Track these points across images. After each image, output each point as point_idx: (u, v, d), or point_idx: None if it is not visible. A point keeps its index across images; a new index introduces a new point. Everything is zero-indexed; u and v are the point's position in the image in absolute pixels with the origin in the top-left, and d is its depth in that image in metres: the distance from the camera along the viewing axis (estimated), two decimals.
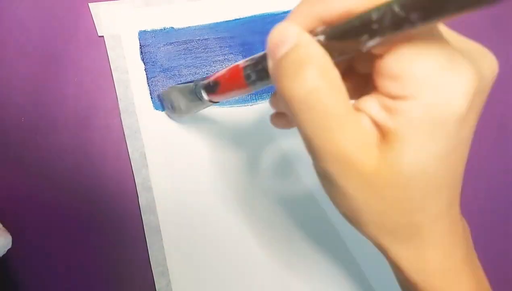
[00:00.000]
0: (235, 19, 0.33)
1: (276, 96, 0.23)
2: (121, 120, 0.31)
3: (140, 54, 0.32)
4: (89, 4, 0.31)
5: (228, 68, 0.22)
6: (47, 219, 0.30)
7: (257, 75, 0.20)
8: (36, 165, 0.30)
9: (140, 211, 0.30)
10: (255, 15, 0.34)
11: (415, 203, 0.16)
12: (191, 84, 0.27)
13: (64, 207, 0.30)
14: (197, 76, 0.33)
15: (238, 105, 0.33)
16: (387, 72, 0.15)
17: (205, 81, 0.25)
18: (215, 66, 0.33)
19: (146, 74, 0.32)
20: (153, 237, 0.30)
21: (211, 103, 0.26)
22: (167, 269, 0.30)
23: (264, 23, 0.34)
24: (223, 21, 0.33)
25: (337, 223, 0.33)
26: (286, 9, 0.34)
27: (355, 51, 0.16)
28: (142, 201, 0.30)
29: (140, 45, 0.32)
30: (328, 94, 0.15)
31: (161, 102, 0.31)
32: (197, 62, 0.33)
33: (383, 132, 0.16)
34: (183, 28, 0.33)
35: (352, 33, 0.15)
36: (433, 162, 0.15)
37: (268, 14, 0.34)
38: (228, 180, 0.32)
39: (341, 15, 0.16)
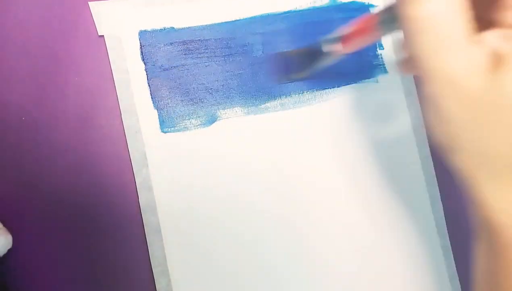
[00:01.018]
0: (236, 20, 0.34)
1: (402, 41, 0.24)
2: (121, 120, 0.31)
3: (141, 54, 0.32)
4: (89, 3, 0.31)
5: (357, 19, 0.25)
6: (47, 219, 0.30)
7: (390, 19, 0.21)
8: (37, 165, 0.30)
9: (140, 210, 0.30)
10: (255, 16, 0.34)
11: None
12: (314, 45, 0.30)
13: (64, 207, 0.30)
14: (197, 76, 0.33)
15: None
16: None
17: (332, 36, 0.28)
18: (215, 67, 0.33)
19: (147, 74, 0.32)
20: (153, 237, 0.30)
21: (332, 58, 0.29)
22: (167, 269, 0.30)
23: (265, 24, 0.34)
24: (224, 22, 0.33)
25: (338, 224, 0.33)
26: (286, 10, 0.35)
27: None
28: (142, 200, 0.30)
29: (141, 45, 0.32)
30: (449, 19, 0.16)
31: (272, 64, 0.34)
32: (198, 62, 0.33)
33: (499, 59, 0.16)
34: (183, 28, 0.33)
35: None
36: None
37: (268, 14, 0.34)
38: (228, 179, 0.32)
39: None
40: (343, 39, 0.27)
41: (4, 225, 0.28)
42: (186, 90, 0.32)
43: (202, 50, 0.33)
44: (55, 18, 0.31)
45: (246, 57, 0.34)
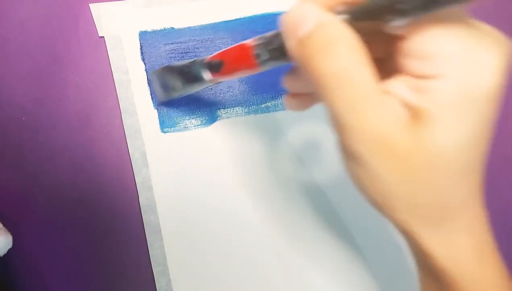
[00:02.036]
0: (236, 19, 0.34)
1: (290, 76, 0.22)
2: (121, 120, 0.31)
3: (141, 55, 0.32)
4: (90, 4, 0.32)
5: (232, 46, 0.22)
6: (47, 219, 0.30)
7: (270, 55, 0.19)
8: (37, 165, 0.30)
9: (140, 210, 0.30)
10: (255, 15, 0.34)
11: (449, 184, 0.16)
12: (189, 62, 0.26)
13: (64, 207, 0.30)
14: None
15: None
16: (416, 53, 0.15)
17: (207, 60, 0.24)
18: None
19: (147, 74, 0.32)
20: (153, 236, 0.30)
21: (212, 83, 0.25)
22: (167, 268, 0.30)
23: (265, 23, 0.34)
24: (224, 21, 0.33)
25: (339, 226, 0.33)
26: (286, 10, 0.35)
27: (377, 32, 0.16)
28: (142, 200, 0.30)
29: (141, 45, 0.32)
30: (360, 72, 0.15)
31: (150, 83, 0.31)
32: None
33: (413, 113, 0.16)
34: (183, 29, 0.33)
35: (377, 13, 0.15)
36: (466, 141, 0.15)
37: (268, 14, 0.34)
38: (228, 179, 0.32)
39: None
40: (219, 68, 0.23)
41: (4, 225, 0.28)
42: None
43: (202, 50, 0.33)
44: (56, 19, 0.32)
45: None
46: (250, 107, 0.33)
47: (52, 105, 0.31)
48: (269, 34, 0.19)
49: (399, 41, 0.16)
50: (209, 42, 0.33)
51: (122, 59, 0.32)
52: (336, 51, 0.15)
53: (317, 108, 0.34)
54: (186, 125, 0.32)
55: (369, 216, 0.34)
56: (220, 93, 0.33)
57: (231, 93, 0.33)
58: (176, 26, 0.33)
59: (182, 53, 0.33)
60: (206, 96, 0.33)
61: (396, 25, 0.15)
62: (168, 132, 0.32)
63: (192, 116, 0.32)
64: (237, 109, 0.33)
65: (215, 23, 0.33)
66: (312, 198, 0.33)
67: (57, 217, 0.30)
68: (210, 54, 0.25)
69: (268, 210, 0.32)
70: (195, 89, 0.28)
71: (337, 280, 0.33)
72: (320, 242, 0.33)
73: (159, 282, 0.30)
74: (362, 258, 0.33)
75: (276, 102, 0.34)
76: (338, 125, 0.16)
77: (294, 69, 0.22)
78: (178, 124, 0.32)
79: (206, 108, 0.32)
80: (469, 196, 0.17)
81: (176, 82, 0.28)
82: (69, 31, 0.32)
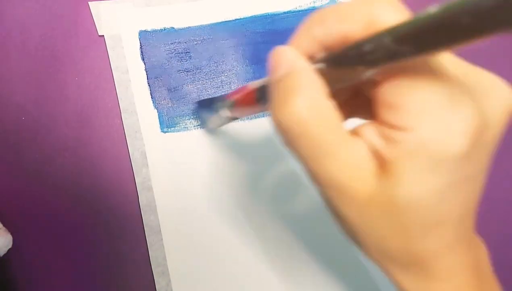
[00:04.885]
0: (236, 19, 0.34)
1: None
2: (121, 120, 0.31)
3: (141, 54, 0.32)
4: (89, 3, 0.31)
5: (240, 88, 0.23)
6: (47, 219, 0.30)
7: (267, 97, 0.20)
8: (36, 165, 0.30)
9: (140, 210, 0.30)
10: (255, 15, 0.34)
11: (415, 234, 0.15)
12: (217, 100, 0.28)
13: (64, 207, 0.30)
14: (199, 75, 0.33)
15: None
16: (385, 101, 0.15)
17: (226, 100, 0.26)
18: (215, 67, 0.33)
19: (147, 74, 0.32)
20: (153, 237, 0.30)
21: (232, 119, 0.27)
22: (167, 269, 0.30)
23: (264, 23, 0.34)
24: (224, 21, 0.33)
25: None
26: (286, 10, 0.35)
27: (356, 79, 0.15)
28: (142, 200, 0.30)
29: (141, 45, 0.32)
30: (315, 125, 0.15)
31: (197, 114, 0.32)
32: (198, 62, 0.33)
33: (380, 161, 0.15)
34: (183, 28, 0.33)
35: (348, 62, 0.15)
36: (433, 196, 0.15)
37: (268, 14, 0.34)
38: (228, 180, 0.32)
39: (338, 40, 0.15)
40: (233, 107, 0.25)
41: (4, 225, 0.28)
42: (186, 90, 0.32)
43: (202, 50, 0.33)
44: (55, 18, 0.31)
45: (245, 56, 0.34)
46: None
47: (51, 105, 0.30)
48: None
49: (375, 87, 0.15)
50: (209, 42, 0.33)
51: (122, 59, 0.32)
52: (292, 103, 0.15)
53: None
54: (186, 125, 0.32)
55: None
56: (220, 92, 0.33)
57: None
58: (176, 26, 0.33)
59: (182, 53, 0.33)
60: (206, 96, 0.32)
61: (368, 74, 0.15)
62: (168, 132, 0.32)
63: (192, 117, 0.32)
64: None
65: (215, 23, 0.33)
66: (312, 199, 0.33)
67: (57, 217, 0.30)
68: (228, 93, 0.26)
69: (268, 210, 0.32)
70: (223, 123, 0.29)
71: (333, 282, 0.33)
72: (318, 244, 0.33)
73: (158, 283, 0.30)
74: (359, 270, 0.34)
75: None
76: (305, 170, 0.16)
77: None
78: (178, 124, 0.32)
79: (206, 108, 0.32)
80: (444, 247, 0.16)
81: (206, 115, 0.30)
82: (68, 30, 0.31)
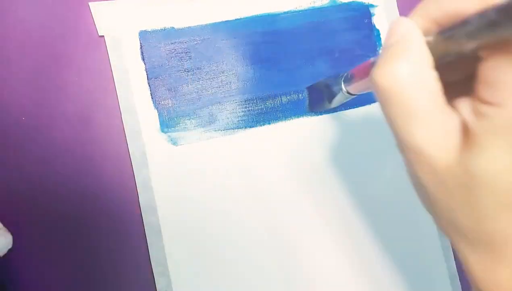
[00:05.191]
0: (236, 19, 0.33)
1: None
2: (121, 120, 0.31)
3: (141, 54, 0.32)
4: (90, 3, 0.31)
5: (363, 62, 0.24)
6: (47, 219, 0.30)
7: None
8: (36, 165, 0.30)
9: (140, 210, 0.30)
10: (256, 15, 0.34)
11: (487, 211, 0.16)
12: (337, 77, 0.29)
13: (64, 207, 0.30)
14: (198, 75, 0.33)
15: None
16: (484, 77, 0.15)
17: (345, 73, 0.27)
18: (215, 67, 0.33)
19: (147, 74, 0.32)
20: (153, 237, 0.30)
21: (348, 95, 0.28)
22: (168, 269, 0.30)
23: (265, 23, 0.34)
24: (224, 21, 0.33)
25: (337, 229, 0.33)
26: (286, 10, 0.34)
27: (460, 54, 0.16)
28: (142, 200, 0.30)
29: (141, 45, 0.32)
30: (415, 89, 0.16)
31: (309, 96, 0.33)
32: (198, 62, 0.33)
33: (468, 135, 0.16)
34: (183, 28, 0.33)
35: (456, 35, 0.16)
36: (509, 174, 0.15)
37: (268, 14, 0.34)
38: (229, 180, 0.32)
39: (452, 17, 0.16)
40: (351, 80, 0.26)
41: (4, 225, 0.28)
42: (187, 90, 0.32)
43: (202, 50, 0.33)
44: (55, 18, 0.31)
45: (245, 56, 0.34)
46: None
47: (51, 105, 0.30)
48: None
49: (477, 64, 0.16)
50: (209, 42, 0.33)
51: (122, 59, 0.31)
52: (398, 64, 0.16)
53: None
54: (186, 126, 0.32)
55: (374, 216, 0.34)
56: (220, 92, 0.33)
57: (231, 93, 0.33)
58: (176, 26, 0.33)
59: (182, 53, 0.33)
60: (206, 96, 0.32)
61: (471, 47, 0.15)
62: (169, 132, 0.32)
63: (192, 117, 0.32)
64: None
65: (215, 23, 0.33)
66: (312, 200, 0.33)
67: (57, 217, 0.30)
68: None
69: (268, 210, 0.32)
70: (339, 101, 0.30)
71: (339, 283, 0.33)
72: (318, 244, 0.33)
73: (159, 283, 0.30)
74: (365, 254, 0.34)
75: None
76: (394, 130, 0.17)
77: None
78: (178, 125, 0.32)
79: (206, 108, 0.32)
80: None
81: (325, 94, 0.31)
82: (68, 31, 0.31)
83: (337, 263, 0.33)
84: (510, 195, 0.15)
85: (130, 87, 0.31)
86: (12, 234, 0.28)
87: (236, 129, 0.33)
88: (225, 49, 0.33)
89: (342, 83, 0.27)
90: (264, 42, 0.34)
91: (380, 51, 0.18)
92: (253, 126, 0.33)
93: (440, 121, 0.16)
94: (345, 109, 0.35)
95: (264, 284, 0.32)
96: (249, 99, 0.33)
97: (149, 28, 0.32)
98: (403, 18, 0.17)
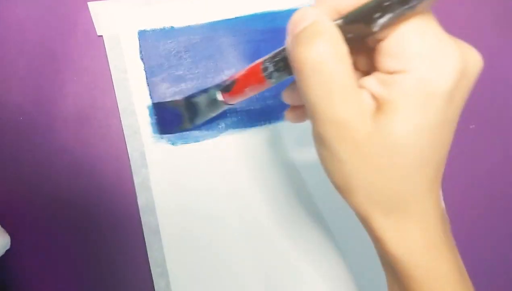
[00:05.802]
0: (235, 18, 0.33)
1: (289, 90, 0.24)
2: (120, 120, 0.31)
3: (140, 54, 0.32)
4: (88, 3, 0.31)
5: (247, 67, 0.24)
6: (46, 220, 0.30)
7: (275, 66, 0.21)
8: (35, 165, 0.30)
9: (139, 211, 0.30)
10: (255, 14, 0.34)
11: (403, 172, 0.17)
12: (207, 88, 0.28)
13: (62, 207, 0.30)
14: (197, 75, 0.32)
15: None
16: (388, 51, 0.17)
17: (221, 83, 0.27)
18: (215, 65, 0.33)
19: (146, 73, 0.32)
20: (152, 238, 0.30)
21: (225, 105, 0.27)
22: (166, 270, 0.30)
23: (265, 22, 0.34)
24: (223, 20, 0.33)
25: (336, 229, 0.33)
26: (286, 8, 0.34)
27: (368, 34, 0.17)
28: (141, 201, 0.30)
29: (140, 44, 0.32)
30: (334, 62, 0.17)
31: (156, 115, 0.31)
32: (197, 61, 0.32)
33: (379, 104, 0.17)
34: (183, 28, 0.33)
35: (366, 13, 0.17)
36: (422, 133, 0.17)
37: (268, 12, 0.34)
38: (228, 180, 0.32)
39: (352, 5, 0.18)
40: (230, 87, 0.26)
41: (2, 226, 0.28)
42: (186, 89, 0.32)
43: (202, 49, 0.33)
44: (54, 18, 0.31)
45: (245, 55, 0.33)
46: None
47: (50, 105, 0.30)
48: (277, 49, 0.21)
49: (377, 44, 0.18)
50: (208, 40, 0.33)
51: (121, 58, 0.31)
52: (317, 42, 0.17)
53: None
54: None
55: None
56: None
57: None
58: (175, 25, 0.32)
59: (181, 52, 0.32)
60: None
61: (381, 23, 0.17)
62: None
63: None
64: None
65: (214, 22, 0.33)
66: (312, 200, 0.33)
67: (55, 217, 0.30)
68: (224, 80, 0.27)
69: (268, 211, 0.32)
70: (211, 114, 0.30)
71: (332, 281, 0.33)
72: (318, 244, 0.33)
73: (158, 284, 0.30)
74: (364, 255, 0.33)
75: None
76: (310, 111, 0.18)
77: (293, 84, 0.23)
78: None
79: None
80: (424, 189, 0.18)
81: (189, 110, 0.30)
82: (67, 30, 0.31)
83: (337, 263, 0.33)
84: (420, 153, 0.17)
85: (128, 87, 0.31)
86: (10, 235, 0.28)
87: (236, 129, 0.32)
88: (224, 47, 0.33)
89: (219, 93, 0.27)
90: (264, 40, 0.34)
91: (287, 38, 0.19)
92: (253, 126, 0.33)
93: (357, 93, 0.17)
94: None
95: (264, 284, 0.31)
96: (249, 98, 0.33)
97: (148, 27, 0.32)
98: (308, 7, 0.18)
